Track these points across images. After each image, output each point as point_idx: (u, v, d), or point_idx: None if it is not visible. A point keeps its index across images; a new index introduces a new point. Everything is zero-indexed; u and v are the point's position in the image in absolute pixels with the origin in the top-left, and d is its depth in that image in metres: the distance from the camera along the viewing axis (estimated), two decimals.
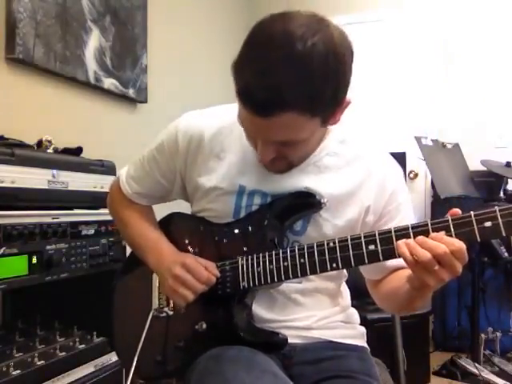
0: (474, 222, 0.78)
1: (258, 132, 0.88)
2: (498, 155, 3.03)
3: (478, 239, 0.78)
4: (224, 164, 1.03)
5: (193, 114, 1.09)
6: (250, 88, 0.81)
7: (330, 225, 1.00)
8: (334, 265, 0.88)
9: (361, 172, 1.02)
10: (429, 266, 0.78)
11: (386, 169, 1.05)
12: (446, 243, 0.78)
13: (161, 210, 1.19)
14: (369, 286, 1.10)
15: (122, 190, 1.16)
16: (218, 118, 1.07)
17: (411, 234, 0.82)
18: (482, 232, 0.78)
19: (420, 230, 0.82)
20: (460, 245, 0.78)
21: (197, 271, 0.97)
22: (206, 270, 0.97)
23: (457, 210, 0.81)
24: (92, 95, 2.29)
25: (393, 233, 0.84)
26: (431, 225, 0.81)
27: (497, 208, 0.77)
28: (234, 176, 1.03)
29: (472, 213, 0.78)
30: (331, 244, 0.88)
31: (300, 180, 1.00)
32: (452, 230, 0.79)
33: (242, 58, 0.84)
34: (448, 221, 0.80)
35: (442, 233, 0.79)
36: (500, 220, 0.76)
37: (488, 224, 0.77)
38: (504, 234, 0.76)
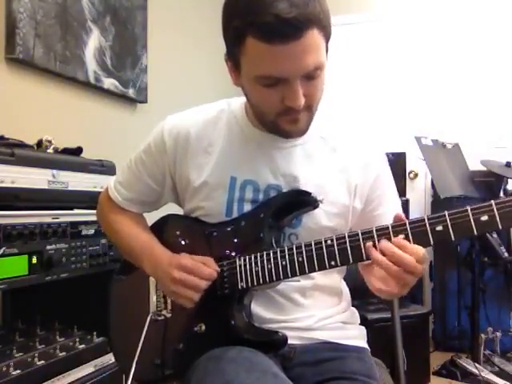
0: (470, 215, 0.78)
1: (290, 65, 0.86)
2: (498, 155, 3.03)
3: (475, 232, 0.79)
4: (213, 158, 1.04)
5: (176, 115, 1.10)
6: (280, 13, 0.81)
7: (324, 213, 1.01)
8: (333, 262, 0.89)
9: (346, 156, 1.05)
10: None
11: (369, 152, 1.09)
12: (411, 252, 0.82)
13: (154, 214, 1.18)
14: (360, 267, 1.09)
15: (112, 198, 1.15)
16: (201, 114, 1.09)
17: (408, 229, 0.83)
18: (479, 225, 0.78)
19: (417, 225, 0.82)
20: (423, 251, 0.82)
21: (196, 269, 0.96)
22: (205, 266, 0.97)
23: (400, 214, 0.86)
24: (92, 95, 2.29)
25: (390, 229, 0.84)
26: (428, 219, 0.81)
27: (493, 202, 0.78)
28: (224, 168, 1.03)
29: (468, 207, 0.79)
30: (329, 241, 0.89)
31: (290, 167, 1.02)
32: (449, 225, 0.80)
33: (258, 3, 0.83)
34: (445, 215, 0.80)
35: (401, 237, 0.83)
36: (496, 213, 0.77)
37: (485, 218, 0.78)
38: (500, 227, 0.77)
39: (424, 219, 0.82)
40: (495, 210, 0.77)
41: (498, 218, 0.77)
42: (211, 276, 0.96)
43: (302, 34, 0.83)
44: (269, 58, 0.85)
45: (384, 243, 0.83)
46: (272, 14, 0.81)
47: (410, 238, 0.83)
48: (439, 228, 0.80)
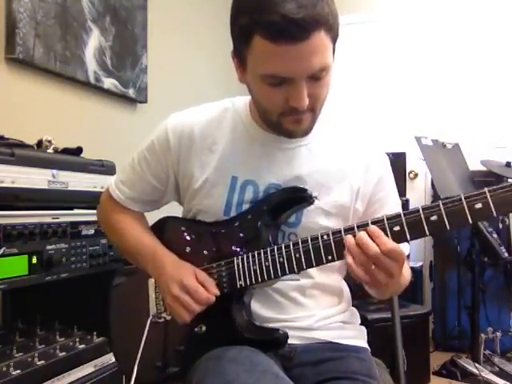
0: (464, 204, 0.78)
1: (296, 65, 0.86)
2: (498, 155, 3.03)
3: (470, 221, 0.79)
4: (216, 156, 1.04)
5: (179, 113, 1.10)
6: (288, 13, 0.81)
7: (324, 213, 1.02)
8: (330, 257, 0.89)
9: (348, 157, 1.05)
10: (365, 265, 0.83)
11: (371, 154, 1.09)
12: (380, 243, 0.81)
13: (154, 215, 1.18)
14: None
15: (114, 197, 1.14)
16: (205, 112, 1.08)
17: (403, 220, 0.83)
18: (474, 213, 0.78)
19: (412, 216, 0.82)
20: (392, 246, 0.81)
21: (195, 292, 0.95)
22: (205, 289, 0.96)
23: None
24: (92, 95, 2.29)
25: (385, 221, 0.84)
26: (423, 210, 0.81)
27: (486, 189, 0.78)
28: (226, 168, 1.03)
29: (462, 195, 0.79)
30: (325, 237, 0.89)
31: (292, 169, 1.02)
32: (444, 214, 0.79)
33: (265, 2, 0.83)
34: (439, 205, 0.80)
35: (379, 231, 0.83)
36: (490, 200, 0.77)
37: (479, 205, 0.78)
38: (495, 214, 0.77)
39: (419, 209, 0.82)
40: (489, 197, 0.77)
41: (492, 205, 0.77)
42: (208, 301, 0.95)
43: (309, 35, 0.83)
44: (275, 57, 0.85)
45: (360, 233, 0.84)
46: (279, 14, 0.81)
47: (406, 228, 0.83)
48: (434, 218, 0.80)
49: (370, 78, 3.67)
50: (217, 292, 0.97)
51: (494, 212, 0.77)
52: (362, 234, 0.83)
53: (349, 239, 0.84)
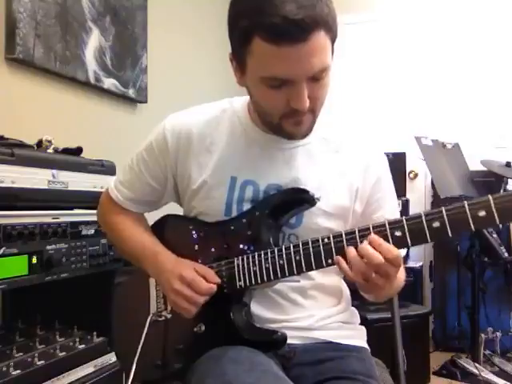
0: (467, 211, 0.78)
1: (297, 67, 0.86)
2: (498, 155, 3.03)
3: (473, 228, 0.79)
4: (214, 157, 1.04)
5: (178, 114, 1.10)
6: (288, 14, 0.81)
7: (324, 214, 1.02)
8: (330, 261, 0.88)
9: (347, 158, 1.05)
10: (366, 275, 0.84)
11: (370, 154, 1.09)
12: (383, 251, 0.81)
13: (155, 214, 1.18)
14: None
15: (113, 198, 1.14)
16: (203, 113, 1.08)
17: (405, 226, 0.82)
18: (477, 221, 0.78)
19: (414, 221, 0.82)
20: (397, 253, 0.82)
21: (196, 284, 0.95)
22: (206, 280, 0.96)
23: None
24: (92, 95, 2.29)
25: (387, 226, 0.84)
26: (425, 216, 0.81)
27: (490, 196, 0.77)
28: (225, 168, 1.03)
29: (465, 202, 0.79)
30: (326, 240, 0.89)
31: (291, 169, 1.02)
32: (446, 221, 0.79)
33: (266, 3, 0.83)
34: (442, 212, 0.80)
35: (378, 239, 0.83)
36: (494, 208, 0.77)
37: (482, 213, 0.77)
38: (498, 222, 0.77)
39: (421, 215, 0.81)
40: (493, 205, 0.77)
41: (495, 214, 0.77)
42: (209, 291, 0.96)
43: (310, 35, 0.83)
44: (275, 59, 0.85)
45: (363, 245, 0.84)
46: (280, 16, 0.81)
47: (407, 234, 0.82)
48: (436, 224, 0.80)
49: (370, 78, 3.67)
50: (218, 281, 0.97)
51: (498, 220, 0.77)
52: (364, 246, 0.83)
53: (350, 251, 0.84)
